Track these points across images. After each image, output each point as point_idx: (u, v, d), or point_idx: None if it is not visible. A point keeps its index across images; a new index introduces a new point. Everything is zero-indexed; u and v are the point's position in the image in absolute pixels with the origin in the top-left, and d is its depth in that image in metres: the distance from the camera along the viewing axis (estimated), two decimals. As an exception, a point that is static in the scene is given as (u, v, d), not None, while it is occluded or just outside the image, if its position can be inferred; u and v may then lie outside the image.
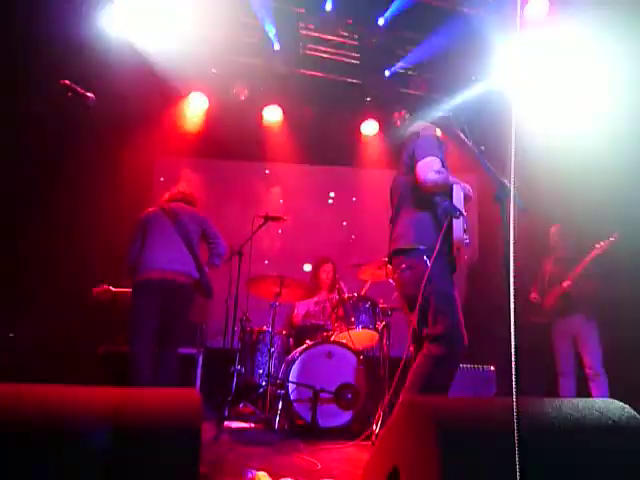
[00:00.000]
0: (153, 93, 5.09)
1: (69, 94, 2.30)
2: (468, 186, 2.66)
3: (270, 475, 2.26)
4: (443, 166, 2.54)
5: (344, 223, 6.21)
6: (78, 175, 4.95)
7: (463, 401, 1.16)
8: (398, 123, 5.83)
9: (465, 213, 2.57)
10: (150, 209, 3.76)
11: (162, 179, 5.82)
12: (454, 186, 2.53)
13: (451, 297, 2.48)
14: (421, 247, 2.50)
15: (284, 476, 2.28)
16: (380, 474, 1.28)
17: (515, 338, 2.03)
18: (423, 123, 2.77)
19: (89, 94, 2.42)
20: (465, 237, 2.48)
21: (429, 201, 2.56)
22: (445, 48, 5.17)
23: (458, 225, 2.46)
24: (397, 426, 1.23)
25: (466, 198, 2.62)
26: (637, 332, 3.92)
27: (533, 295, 4.46)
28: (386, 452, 1.26)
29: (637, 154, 3.96)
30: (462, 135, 2.40)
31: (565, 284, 4.20)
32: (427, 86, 5.53)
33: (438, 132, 2.71)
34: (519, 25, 4.48)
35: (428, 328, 2.45)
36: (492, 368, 4.41)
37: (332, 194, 6.28)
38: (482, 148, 2.24)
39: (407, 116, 5.78)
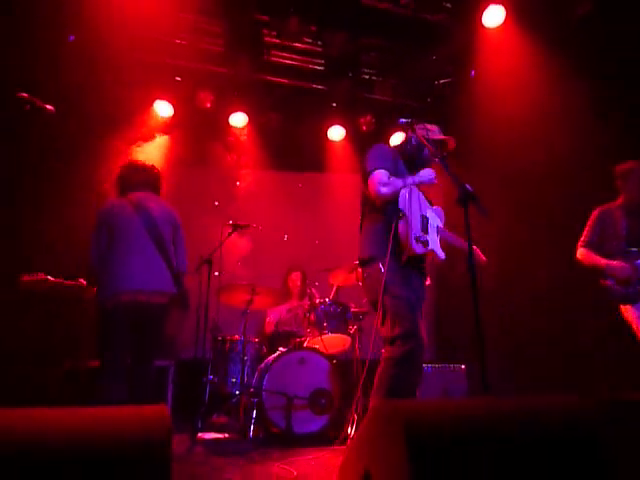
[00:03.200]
0: (116, 103, 4.98)
1: (27, 107, 2.22)
2: (425, 173, 2.61)
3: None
4: (395, 173, 2.61)
5: (313, 228, 6.21)
6: (40, 190, 4.76)
7: (433, 403, 1.19)
8: (364, 128, 5.90)
9: (425, 212, 2.58)
10: (114, 200, 3.22)
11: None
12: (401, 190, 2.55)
13: (406, 300, 2.52)
14: (376, 256, 2.58)
15: (259, 486, 2.26)
16: (353, 478, 1.29)
17: (480, 334, 2.08)
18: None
19: (48, 106, 2.35)
20: (416, 234, 2.49)
21: (381, 209, 2.64)
22: (409, 53, 5.29)
23: (404, 226, 2.49)
24: (368, 430, 1.25)
25: (426, 185, 2.63)
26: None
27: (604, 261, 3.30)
28: (358, 456, 1.27)
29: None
30: (424, 140, 2.44)
31: None
32: (392, 91, 5.60)
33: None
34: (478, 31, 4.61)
35: (386, 331, 2.51)
36: (463, 367, 4.49)
37: (300, 200, 6.28)
38: (444, 154, 2.28)
39: (373, 121, 5.86)
